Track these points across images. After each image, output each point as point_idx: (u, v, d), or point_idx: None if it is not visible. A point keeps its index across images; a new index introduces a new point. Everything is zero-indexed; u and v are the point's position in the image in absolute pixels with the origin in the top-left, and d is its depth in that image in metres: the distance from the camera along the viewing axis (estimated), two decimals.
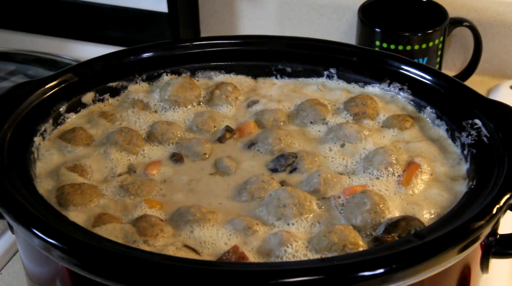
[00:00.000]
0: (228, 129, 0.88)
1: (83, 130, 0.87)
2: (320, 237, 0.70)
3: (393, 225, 0.72)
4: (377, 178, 0.80)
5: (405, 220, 0.72)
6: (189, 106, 0.93)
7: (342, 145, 0.85)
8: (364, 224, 0.73)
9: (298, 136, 0.87)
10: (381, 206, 0.74)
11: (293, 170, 0.82)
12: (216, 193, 0.79)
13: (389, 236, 0.70)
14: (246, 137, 0.88)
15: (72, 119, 0.89)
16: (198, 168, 0.83)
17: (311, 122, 0.89)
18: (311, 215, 0.75)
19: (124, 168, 0.82)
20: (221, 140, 0.87)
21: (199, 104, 0.94)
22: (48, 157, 0.83)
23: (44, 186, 0.78)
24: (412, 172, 0.80)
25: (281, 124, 0.89)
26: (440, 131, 0.87)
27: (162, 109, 0.92)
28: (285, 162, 0.82)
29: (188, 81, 0.94)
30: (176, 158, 0.84)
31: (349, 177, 0.80)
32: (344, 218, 0.74)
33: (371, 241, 0.71)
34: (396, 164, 0.80)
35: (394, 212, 0.75)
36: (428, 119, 0.89)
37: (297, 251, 0.69)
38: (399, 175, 0.80)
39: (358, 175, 0.81)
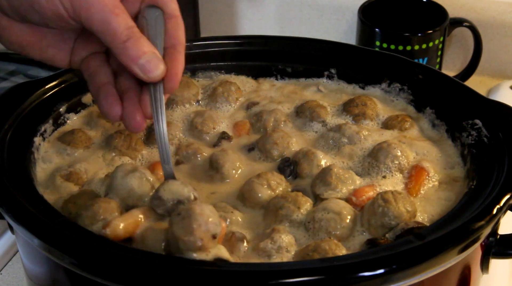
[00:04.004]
0: (224, 137, 0.87)
1: (82, 132, 0.86)
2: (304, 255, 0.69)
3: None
4: (384, 177, 0.79)
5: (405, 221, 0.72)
6: (187, 105, 0.92)
7: (343, 146, 0.84)
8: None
9: (297, 138, 0.86)
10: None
11: (296, 176, 0.81)
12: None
13: (383, 238, 0.70)
14: (242, 137, 0.88)
15: (72, 120, 0.89)
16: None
17: (310, 124, 0.89)
18: None
19: None
20: (217, 146, 0.86)
21: (197, 102, 0.93)
22: (47, 160, 0.82)
23: (43, 191, 0.78)
24: (420, 181, 0.79)
25: (281, 124, 0.89)
26: (440, 131, 0.87)
27: None
28: (288, 169, 0.81)
29: (185, 80, 0.93)
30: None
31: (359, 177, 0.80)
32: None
33: (365, 243, 0.71)
34: (402, 156, 0.80)
35: None
36: (428, 119, 0.89)
37: None
38: (408, 172, 0.79)
39: (363, 175, 0.80)
